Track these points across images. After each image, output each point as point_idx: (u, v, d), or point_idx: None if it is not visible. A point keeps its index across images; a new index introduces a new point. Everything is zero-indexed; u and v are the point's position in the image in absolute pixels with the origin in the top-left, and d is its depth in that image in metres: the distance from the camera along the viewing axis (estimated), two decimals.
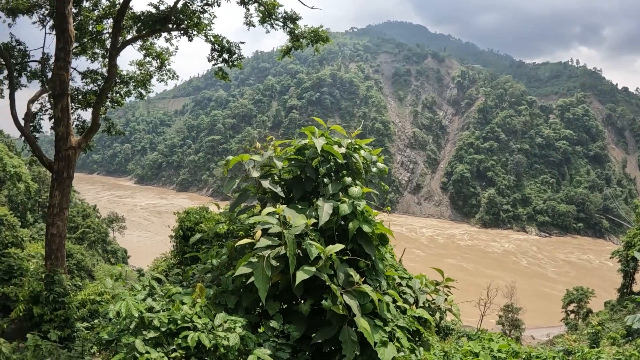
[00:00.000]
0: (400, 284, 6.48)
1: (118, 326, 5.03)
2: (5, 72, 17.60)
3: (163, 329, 4.75)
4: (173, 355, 4.63)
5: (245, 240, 4.55)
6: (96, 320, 12.48)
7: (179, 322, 4.79)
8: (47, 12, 17.60)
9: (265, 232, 4.79)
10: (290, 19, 16.81)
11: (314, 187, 5.75)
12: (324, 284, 4.81)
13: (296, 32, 16.94)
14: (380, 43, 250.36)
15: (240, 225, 6.25)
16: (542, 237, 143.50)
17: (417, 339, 6.03)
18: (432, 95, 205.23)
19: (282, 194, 5.28)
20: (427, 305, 6.67)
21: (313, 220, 4.88)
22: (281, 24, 16.98)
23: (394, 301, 5.65)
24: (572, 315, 57.75)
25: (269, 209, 4.80)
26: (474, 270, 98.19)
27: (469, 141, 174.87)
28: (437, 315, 6.67)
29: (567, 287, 63.71)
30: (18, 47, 17.74)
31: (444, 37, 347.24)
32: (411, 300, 6.40)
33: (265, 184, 5.29)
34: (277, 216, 4.75)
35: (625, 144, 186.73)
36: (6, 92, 17.77)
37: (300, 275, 4.51)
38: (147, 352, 4.57)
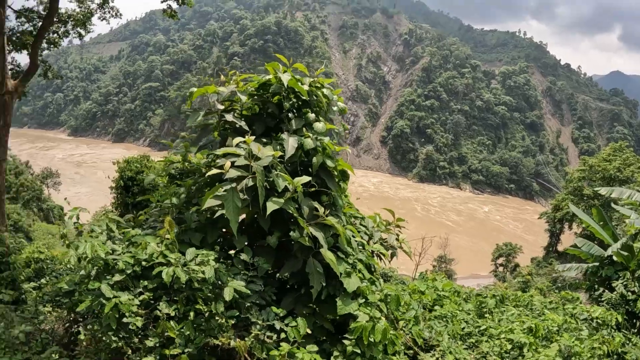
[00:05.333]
0: (354, 223, 6.67)
1: (81, 272, 4.76)
2: None
3: (128, 272, 4.60)
4: (140, 298, 4.51)
5: (215, 171, 4.48)
6: (43, 280, 11.97)
7: (143, 262, 4.66)
8: None
9: (231, 165, 4.72)
10: None
11: (276, 123, 5.71)
12: (288, 218, 4.85)
13: None
14: None
15: (195, 165, 6.11)
16: (476, 195, 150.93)
17: (372, 273, 6.28)
18: (377, 50, 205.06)
19: (246, 128, 5.21)
20: (380, 243, 6.93)
21: (280, 153, 4.87)
22: None
23: (352, 236, 5.81)
24: (500, 268, 62.13)
25: (238, 139, 4.73)
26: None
27: (410, 98, 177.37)
28: (390, 252, 6.95)
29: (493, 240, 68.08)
30: None
31: None
32: (365, 237, 6.62)
33: (229, 117, 5.18)
34: (244, 148, 4.70)
35: (561, 116, 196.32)
36: None
37: (270, 206, 4.52)
38: (116, 297, 4.40)
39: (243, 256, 4.75)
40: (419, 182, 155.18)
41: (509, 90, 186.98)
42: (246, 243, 5.05)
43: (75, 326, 6.66)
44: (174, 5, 17.04)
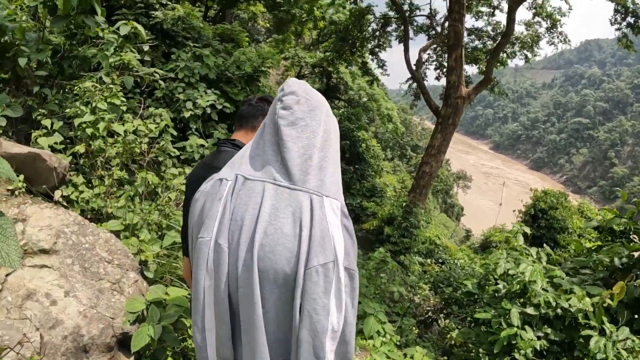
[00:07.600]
0: None
1: (498, 286, 4.87)
2: (394, 26, 19.95)
3: (542, 311, 4.32)
4: (538, 342, 4.16)
5: None
6: (428, 260, 13.00)
7: (558, 310, 4.28)
8: None
9: None
10: None
11: None
12: None
13: None
14: None
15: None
16: None
17: None
18: None
19: None
20: None
21: None
22: None
23: None
24: None
25: None
26: None
27: None
28: None
29: None
30: (408, 2, 19.17)
31: None
32: None
33: None
34: None
35: None
36: (394, 42, 20.29)
37: None
38: (519, 328, 4.27)
39: None
40: None
41: None
42: None
43: (438, 315, 7.48)
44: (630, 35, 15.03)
